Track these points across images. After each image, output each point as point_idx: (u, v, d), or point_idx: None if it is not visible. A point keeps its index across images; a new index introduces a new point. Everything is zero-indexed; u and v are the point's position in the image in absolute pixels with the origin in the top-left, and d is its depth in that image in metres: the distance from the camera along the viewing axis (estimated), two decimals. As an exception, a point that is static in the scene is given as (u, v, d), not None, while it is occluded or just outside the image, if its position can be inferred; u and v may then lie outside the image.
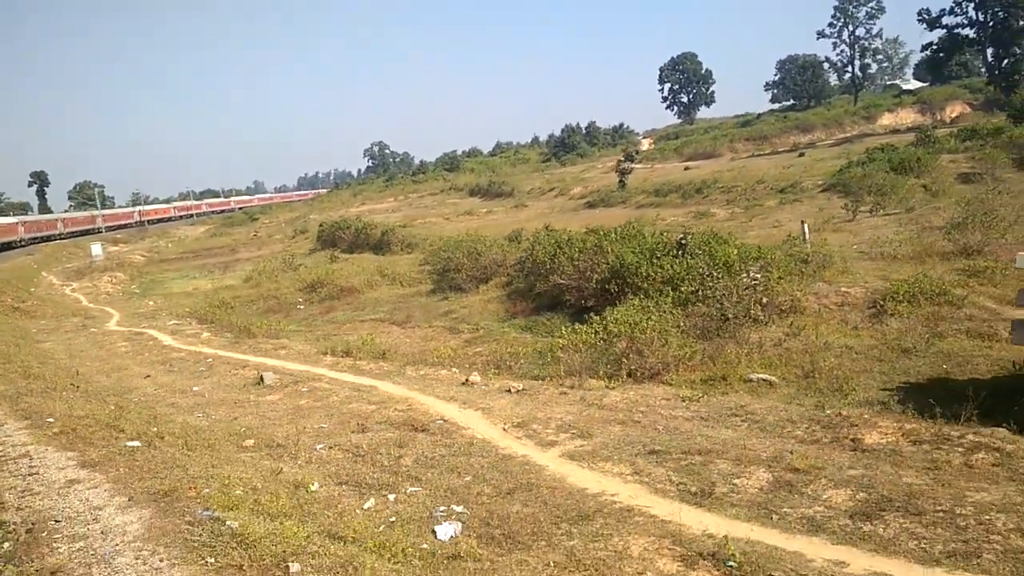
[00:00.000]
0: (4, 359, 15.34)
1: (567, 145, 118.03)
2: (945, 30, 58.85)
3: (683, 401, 9.95)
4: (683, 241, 17.23)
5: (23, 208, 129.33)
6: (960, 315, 13.44)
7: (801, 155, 55.78)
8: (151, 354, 18.28)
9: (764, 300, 14.11)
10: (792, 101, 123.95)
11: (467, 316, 22.27)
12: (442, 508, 7.32)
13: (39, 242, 61.59)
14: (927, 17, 59.18)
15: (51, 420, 9.79)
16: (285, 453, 9.44)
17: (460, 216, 57.35)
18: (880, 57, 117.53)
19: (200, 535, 5.86)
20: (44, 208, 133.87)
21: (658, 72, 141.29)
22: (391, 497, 7.69)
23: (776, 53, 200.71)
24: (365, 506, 7.50)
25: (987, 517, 6.08)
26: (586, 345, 12.96)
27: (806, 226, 19.69)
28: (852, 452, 7.71)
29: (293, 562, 5.36)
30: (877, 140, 53.52)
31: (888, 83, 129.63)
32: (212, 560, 5.43)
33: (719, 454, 7.91)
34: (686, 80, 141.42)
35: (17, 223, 60.80)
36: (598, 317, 13.54)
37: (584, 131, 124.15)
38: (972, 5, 55.14)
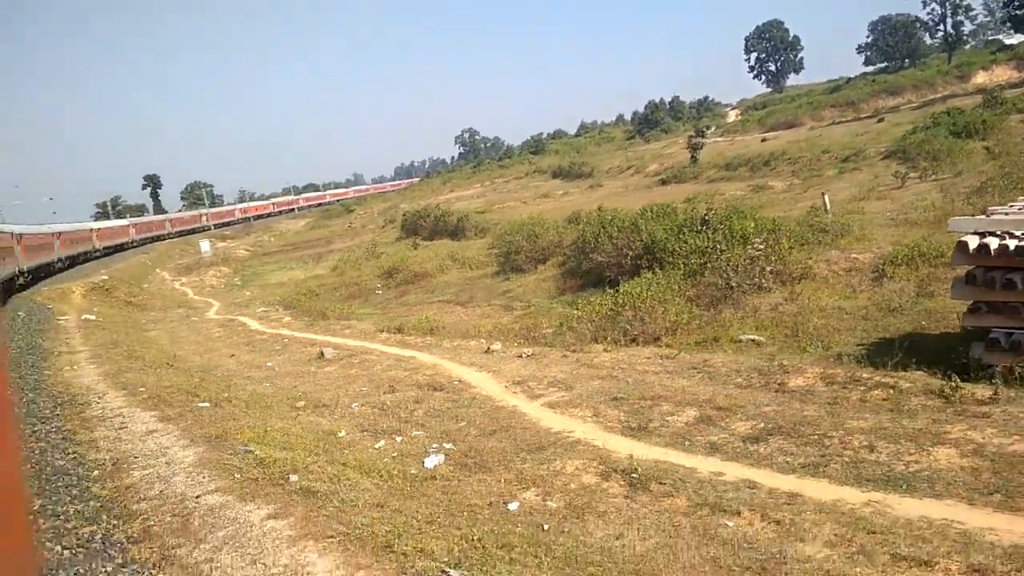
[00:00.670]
0: (113, 344, 18.03)
1: (650, 121, 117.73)
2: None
3: (661, 360, 11.47)
4: (706, 217, 18.49)
5: (140, 210, 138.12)
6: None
7: (880, 120, 54.81)
8: (238, 337, 20.82)
9: (768, 269, 15.32)
10: (885, 63, 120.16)
11: (522, 295, 24.05)
12: (435, 446, 9.13)
13: (149, 242, 66.02)
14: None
15: (142, 389, 12.12)
16: (327, 411, 11.45)
17: (537, 199, 59.00)
18: (975, 12, 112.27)
19: (234, 461, 7.87)
20: (158, 208, 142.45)
21: (744, 42, 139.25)
22: (398, 439, 9.56)
23: (869, 14, 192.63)
24: (376, 446, 9.39)
25: (849, 438, 7.47)
26: (598, 315, 14.55)
27: (827, 197, 20.53)
28: (775, 393, 9.13)
29: (292, 475, 7.30)
30: (963, 101, 52.29)
31: (991, 38, 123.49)
32: (238, 476, 7.43)
33: (666, 399, 9.46)
34: (773, 48, 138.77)
35: (128, 225, 65.34)
36: (612, 290, 15.09)
37: (668, 106, 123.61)
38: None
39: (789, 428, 7.91)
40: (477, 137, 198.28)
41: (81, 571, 5.24)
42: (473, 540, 5.90)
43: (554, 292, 23.11)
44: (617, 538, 6.28)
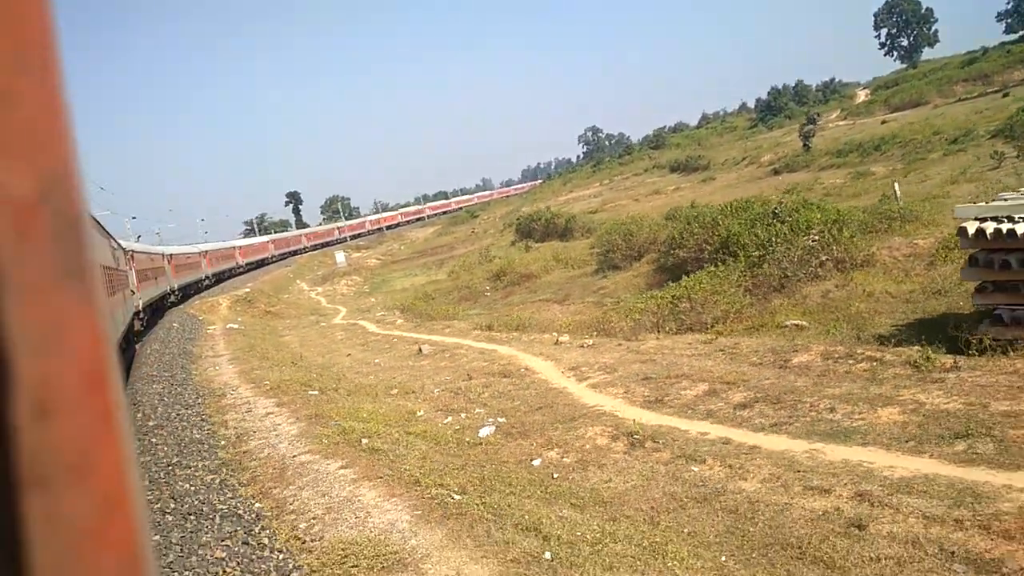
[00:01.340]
0: (249, 348, 20.92)
1: (774, 108, 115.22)
2: None
3: (699, 345, 12.88)
4: (775, 210, 19.48)
5: (283, 225, 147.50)
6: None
7: (1005, 95, 52.47)
8: (356, 339, 23.41)
9: (824, 258, 16.30)
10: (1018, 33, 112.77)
11: (613, 291, 25.54)
12: (490, 420, 11.00)
13: (288, 256, 70.46)
14: None
15: (267, 383, 14.59)
16: (413, 395, 13.53)
17: (649, 196, 59.93)
18: None
19: (325, 432, 10.02)
20: (300, 223, 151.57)
21: (872, 18, 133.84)
22: (463, 416, 11.49)
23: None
24: (444, 421, 11.36)
25: (819, 402, 8.80)
26: (660, 307, 16.03)
27: (896, 185, 20.95)
28: (778, 369, 10.45)
29: (365, 439, 9.35)
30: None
31: None
32: (325, 441, 9.54)
33: (687, 377, 10.95)
34: (904, 22, 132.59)
35: (268, 241, 70.19)
36: (673, 284, 16.52)
37: (792, 91, 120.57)
38: None
39: (775, 396, 9.29)
40: (601, 135, 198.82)
41: (201, 499, 7.43)
42: (484, 479, 7.73)
43: (643, 288, 24.45)
44: (606, 481, 7.95)
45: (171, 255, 36.80)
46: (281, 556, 6.00)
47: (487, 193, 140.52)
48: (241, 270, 58.27)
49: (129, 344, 20.49)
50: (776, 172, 51.89)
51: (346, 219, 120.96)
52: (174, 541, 6.39)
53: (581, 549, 5.66)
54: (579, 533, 6.08)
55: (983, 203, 12.11)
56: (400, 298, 36.19)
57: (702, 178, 64.53)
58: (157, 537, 6.40)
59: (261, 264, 64.39)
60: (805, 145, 53.21)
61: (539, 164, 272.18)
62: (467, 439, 10.14)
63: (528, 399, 11.78)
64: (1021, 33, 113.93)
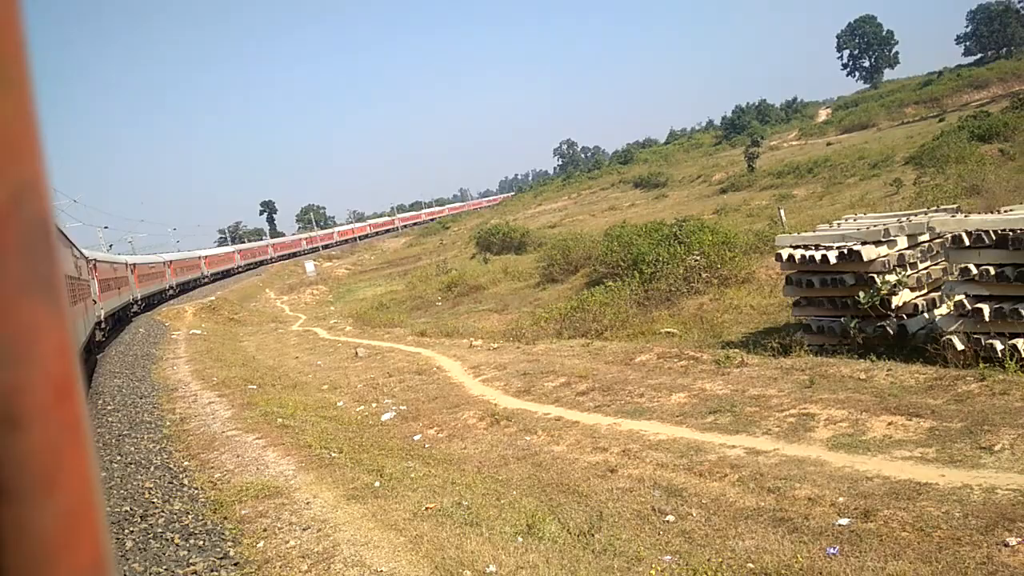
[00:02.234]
0: (207, 352, 23.09)
1: (737, 126, 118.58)
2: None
3: (578, 348, 15.30)
4: (675, 232, 22.01)
5: (258, 234, 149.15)
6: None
7: (941, 120, 55.70)
8: (308, 344, 25.62)
9: (704, 276, 18.80)
10: (981, 55, 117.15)
11: (547, 302, 27.88)
12: (394, 408, 13.34)
13: (254, 267, 71.81)
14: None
15: (215, 380, 16.81)
16: (340, 390, 15.82)
17: (605, 212, 62.46)
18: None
19: (251, 415, 12.30)
20: (274, 232, 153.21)
21: (836, 39, 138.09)
22: (373, 405, 13.81)
23: (969, 3, 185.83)
24: (357, 409, 13.68)
25: (638, 390, 11.22)
26: (562, 316, 18.46)
27: (782, 212, 23.59)
28: (623, 366, 12.88)
29: (279, 420, 11.66)
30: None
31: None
32: (250, 422, 11.82)
33: (554, 372, 13.35)
34: (866, 44, 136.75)
35: (234, 252, 71.19)
36: (576, 296, 18.94)
37: (755, 109, 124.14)
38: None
39: (607, 386, 11.71)
40: (576, 148, 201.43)
41: (142, 457, 9.71)
42: (363, 446, 10.06)
43: (574, 300, 26.94)
44: (463, 448, 10.32)
45: (134, 265, 36.90)
46: (195, 491, 8.29)
47: (459, 205, 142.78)
48: (206, 280, 59.10)
49: (90, 355, 20.90)
50: (723, 191, 54.69)
51: (319, 229, 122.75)
52: (116, 479, 8.65)
53: (403, 482, 8.01)
54: (411, 475, 8.43)
55: (806, 232, 14.63)
56: (358, 307, 38.38)
57: (656, 195, 67.28)
58: (104, 474, 8.67)
59: (227, 274, 65.26)
60: (749, 166, 56.08)
61: (516, 175, 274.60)
62: (370, 422, 12.48)
63: (429, 391, 14.13)
64: (979, 56, 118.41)
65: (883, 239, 12.06)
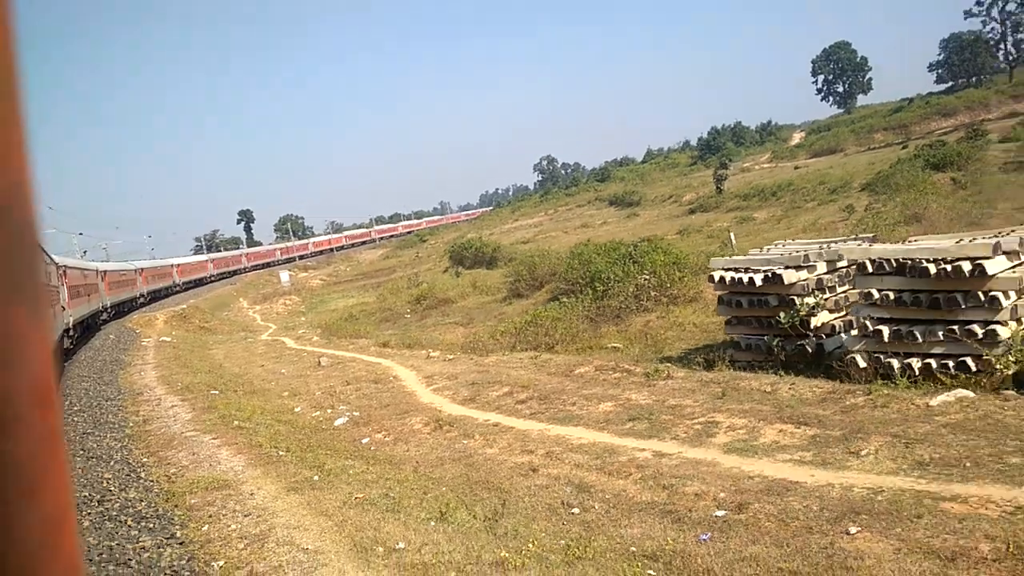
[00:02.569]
0: (175, 359, 23.71)
1: (712, 147, 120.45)
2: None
3: (527, 360, 16.16)
4: (631, 251, 22.98)
5: (235, 243, 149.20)
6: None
7: (904, 147, 57.34)
8: (274, 353, 26.28)
9: (653, 294, 19.74)
10: (952, 83, 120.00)
11: (511, 316, 28.76)
12: (348, 413, 14.10)
13: (227, 276, 72.01)
14: None
15: (180, 385, 17.50)
16: (300, 396, 16.56)
17: (577, 229, 63.54)
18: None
19: (210, 417, 13.03)
20: (252, 242, 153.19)
21: (811, 64, 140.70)
22: (329, 410, 14.57)
23: (942, 31, 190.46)
24: (313, 414, 14.43)
25: (572, 399, 12.08)
26: (517, 330, 19.31)
27: (732, 235, 24.69)
28: (563, 377, 13.75)
29: (236, 422, 12.40)
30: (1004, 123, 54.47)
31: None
32: (208, 424, 12.56)
33: (500, 383, 14.18)
34: (840, 70, 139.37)
35: (207, 260, 71.32)
36: (531, 312, 19.80)
37: (730, 131, 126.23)
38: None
39: (545, 395, 12.57)
40: (555, 164, 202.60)
41: (103, 454, 10.42)
42: (310, 447, 10.84)
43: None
44: (405, 450, 11.11)
45: (105, 272, 36.50)
46: (150, 483, 9.03)
47: (437, 218, 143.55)
48: (178, 289, 59.04)
49: (57, 362, 21.36)
50: (692, 211, 55.96)
51: (297, 239, 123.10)
52: (78, 470, 9.37)
53: (340, 477, 8.81)
54: (349, 472, 9.23)
55: (739, 255, 15.59)
56: (328, 318, 39.01)
57: (628, 214, 68.51)
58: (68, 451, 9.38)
59: (200, 283, 65.19)
60: (718, 188, 57.45)
61: (497, 190, 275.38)
62: (323, 426, 13.25)
63: (383, 399, 14.92)
64: (950, 84, 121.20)
65: (803, 264, 13.03)
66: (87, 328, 30.07)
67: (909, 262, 10.72)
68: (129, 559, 6.30)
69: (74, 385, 17.68)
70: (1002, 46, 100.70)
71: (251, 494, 8.15)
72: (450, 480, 9.32)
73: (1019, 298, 10.30)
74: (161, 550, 6.58)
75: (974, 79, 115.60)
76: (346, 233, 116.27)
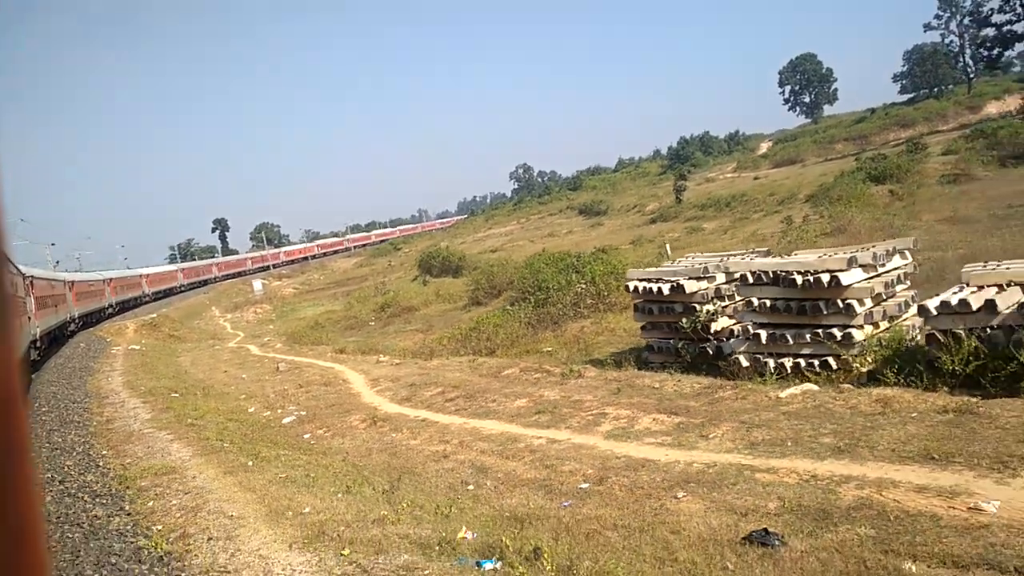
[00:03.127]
0: (142, 365, 24.85)
1: (681, 156, 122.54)
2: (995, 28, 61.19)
3: (464, 364, 17.55)
4: (575, 262, 24.48)
5: (210, 252, 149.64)
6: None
7: (857, 158, 59.34)
8: (238, 359, 27.47)
9: (590, 301, 21.21)
10: (914, 93, 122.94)
11: (469, 323, 30.20)
12: (296, 412, 15.41)
13: (197, 286, 72.45)
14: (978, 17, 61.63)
15: (143, 389, 18.70)
16: (255, 398, 17.83)
17: (544, 237, 65.04)
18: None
19: (167, 417, 14.29)
20: (226, 250, 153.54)
21: (778, 75, 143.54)
22: (279, 410, 15.86)
23: (906, 43, 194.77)
24: (265, 413, 15.72)
25: (493, 397, 13.47)
26: (462, 335, 20.71)
27: (668, 246, 26.29)
28: (491, 378, 15.15)
29: (190, 420, 13.68)
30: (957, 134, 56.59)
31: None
32: (164, 422, 13.82)
33: (435, 384, 15.55)
34: (806, 81, 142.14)
35: (177, 270, 71.65)
36: (473, 318, 21.20)
37: (699, 141, 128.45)
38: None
39: (471, 394, 13.97)
40: (531, 172, 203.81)
41: (67, 447, 11.68)
42: (252, 439, 12.15)
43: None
44: (340, 444, 12.45)
45: (72, 282, 36.49)
46: (107, 469, 10.30)
47: (411, 227, 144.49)
48: (147, 299, 59.23)
49: (24, 373, 21.76)
50: (653, 221, 57.65)
51: (272, 247, 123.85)
52: (43, 459, 10.63)
53: (272, 463, 10.14)
54: (280, 459, 10.56)
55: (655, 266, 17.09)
56: (295, 326, 40.21)
57: (593, 223, 70.18)
58: (34, 454, 10.64)
59: (169, 293, 65.51)
60: (677, 198, 59.26)
61: (475, 197, 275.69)
62: (272, 424, 14.56)
63: (329, 399, 16.25)
64: (913, 95, 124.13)
65: (703, 276, 14.54)
66: (54, 339, 30.08)
67: (782, 274, 12.25)
68: (82, 522, 7.61)
69: (43, 389, 18.82)
70: (960, 58, 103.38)
71: (193, 477, 9.45)
72: (373, 466, 10.67)
73: (875, 305, 11.85)
74: (111, 518, 7.88)
75: (935, 90, 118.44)
76: (318, 242, 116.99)
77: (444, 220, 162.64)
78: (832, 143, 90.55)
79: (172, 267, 74.12)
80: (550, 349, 18.79)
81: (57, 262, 62.03)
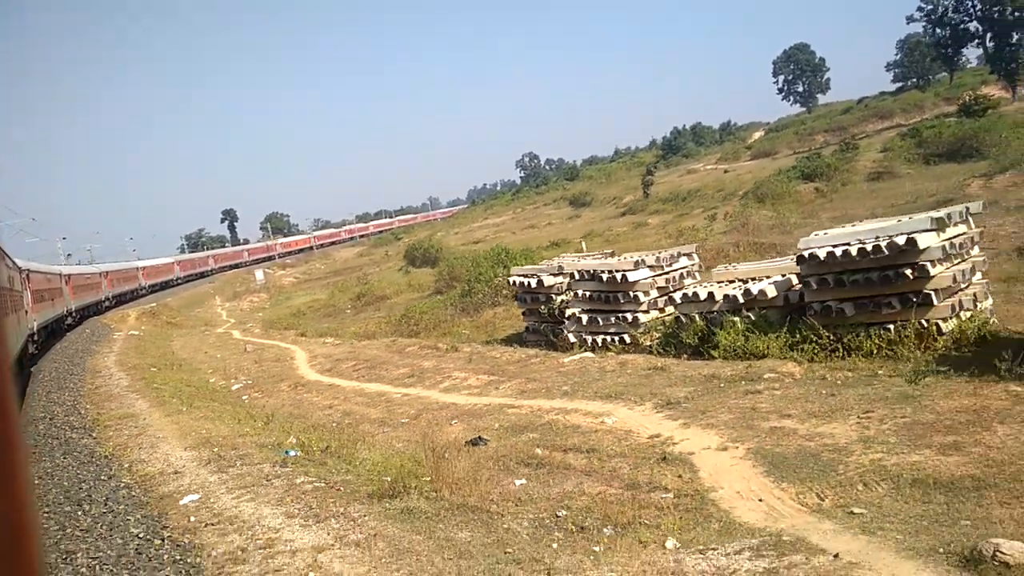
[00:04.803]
0: (135, 348, 29.03)
1: (674, 147, 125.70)
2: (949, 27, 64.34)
3: (386, 343, 21.57)
4: (503, 256, 28.41)
5: (220, 241, 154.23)
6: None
7: (818, 154, 62.80)
8: (220, 342, 31.64)
9: (505, 292, 25.12)
10: (901, 84, 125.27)
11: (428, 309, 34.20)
12: (244, 381, 19.50)
13: (194, 279, 74.76)
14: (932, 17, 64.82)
15: (130, 365, 22.83)
16: (219, 371, 21.93)
17: (524, 229, 68.90)
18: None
19: (140, 384, 18.43)
20: (235, 240, 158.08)
21: (772, 65, 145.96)
22: (232, 380, 19.96)
23: (901, 31, 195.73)
24: (221, 383, 19.83)
25: (393, 368, 17.51)
26: (397, 321, 24.76)
27: (584, 243, 30.14)
28: (397, 354, 19.18)
29: (155, 386, 17.80)
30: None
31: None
32: (139, 387, 17.96)
33: (355, 359, 19.59)
34: (799, 71, 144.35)
35: (173, 263, 73.49)
36: (406, 307, 25.24)
37: (691, 131, 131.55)
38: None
39: (374, 365, 18.02)
40: (538, 161, 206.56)
41: (60, 402, 15.84)
42: (197, 396, 16.25)
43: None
44: (267, 401, 16.52)
45: (69, 275, 37.09)
46: (86, 415, 14.39)
47: (409, 217, 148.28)
48: (144, 291, 60.50)
49: (23, 368, 21.28)
50: (623, 214, 61.23)
51: (282, 236, 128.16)
52: (41, 406, 14.73)
53: (200, 410, 14.19)
54: (209, 408, 14.61)
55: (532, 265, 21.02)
56: (278, 314, 44.41)
57: (571, 215, 73.96)
58: (35, 404, 14.78)
59: (166, 285, 66.79)
60: (645, 192, 62.94)
61: (485, 185, 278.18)
62: (222, 390, 18.65)
63: (274, 371, 20.35)
64: (900, 84, 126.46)
65: (557, 272, 18.47)
66: (51, 333, 30.91)
67: (596, 272, 16.19)
68: (62, 441, 11.70)
69: (48, 365, 23.02)
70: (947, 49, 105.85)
71: (143, 419, 13.51)
72: (281, 420, 14.70)
73: (660, 295, 15.77)
74: (81, 440, 11.96)
75: (921, 80, 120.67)
76: (315, 234, 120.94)
77: (443, 211, 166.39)
78: (812, 135, 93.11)
79: (168, 259, 75.46)
80: (467, 332, 22.77)
81: (68, 255, 65.97)
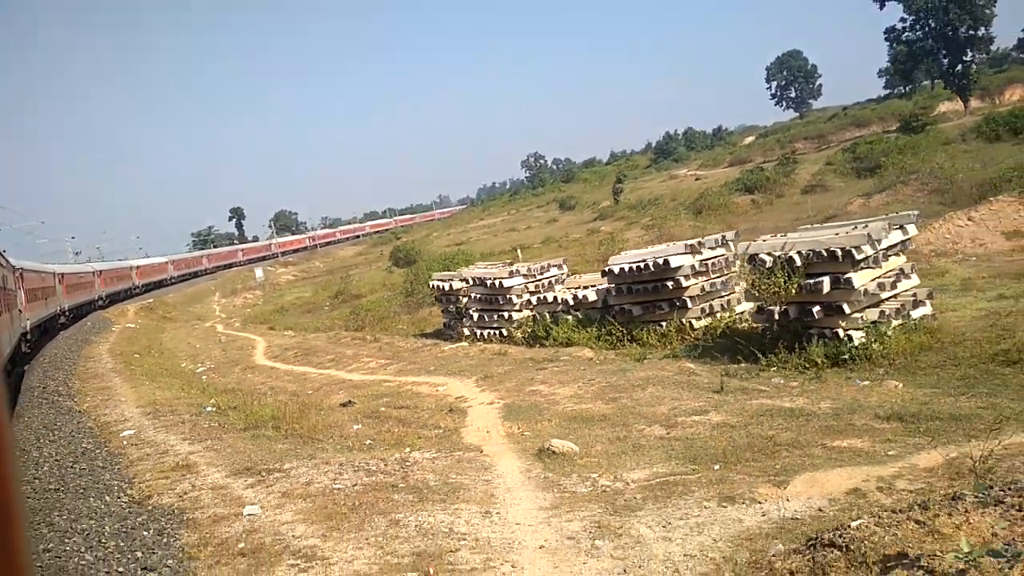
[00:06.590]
0: (128, 338, 33.09)
1: (665, 151, 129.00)
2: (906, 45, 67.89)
3: (326, 336, 25.52)
4: (460, 258, 32.31)
5: (229, 239, 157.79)
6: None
7: (783, 163, 66.31)
8: (204, 335, 35.69)
9: (443, 292, 29.02)
10: (890, 90, 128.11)
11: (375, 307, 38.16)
12: (209, 365, 23.52)
13: (188, 278, 76.58)
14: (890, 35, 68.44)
15: (118, 352, 26.88)
16: (192, 358, 25.97)
17: (505, 232, 72.71)
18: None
19: (120, 367, 22.48)
20: (242, 238, 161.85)
21: (765, 71, 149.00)
22: (198, 364, 23.98)
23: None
24: (191, 367, 23.87)
25: (319, 354, 21.49)
26: (347, 317, 28.77)
27: (519, 252, 34.01)
28: (332, 344, 23.13)
29: (132, 367, 21.85)
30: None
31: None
32: (121, 369, 22.00)
33: (300, 348, 23.58)
34: (792, 77, 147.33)
35: (167, 262, 74.32)
36: (356, 304, 29.25)
37: (682, 136, 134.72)
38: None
39: (310, 352, 22.00)
40: (543, 160, 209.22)
41: (54, 378, 19.91)
42: (162, 374, 20.27)
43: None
44: (220, 379, 20.53)
45: (62, 274, 37.57)
46: (71, 387, 18.38)
47: (407, 217, 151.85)
48: (138, 291, 61.00)
49: (15, 367, 21.85)
50: (596, 219, 64.85)
51: (291, 233, 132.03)
52: (36, 379, 18.75)
53: (157, 382, 18.17)
54: (164, 382, 18.58)
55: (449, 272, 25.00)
56: (263, 310, 48.47)
57: (550, 219, 77.63)
58: (32, 376, 18.85)
59: (160, 285, 67.91)
60: (615, 199, 66.64)
61: (494, 183, 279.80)
62: (189, 372, 22.66)
63: (234, 358, 24.35)
64: (888, 92, 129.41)
65: (462, 279, 22.37)
66: (45, 331, 31.34)
67: (483, 279, 20.11)
68: (51, 403, 15.74)
69: (49, 352, 27.11)
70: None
71: (117, 390, 17.52)
72: (232, 396, 18.68)
73: (531, 296, 19.67)
74: (63, 402, 15.98)
75: (908, 88, 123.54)
76: (310, 234, 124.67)
77: (452, 208, 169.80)
78: (792, 142, 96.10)
79: (162, 259, 75.89)
80: (403, 327, 26.70)
81: (77, 252, 69.81)
